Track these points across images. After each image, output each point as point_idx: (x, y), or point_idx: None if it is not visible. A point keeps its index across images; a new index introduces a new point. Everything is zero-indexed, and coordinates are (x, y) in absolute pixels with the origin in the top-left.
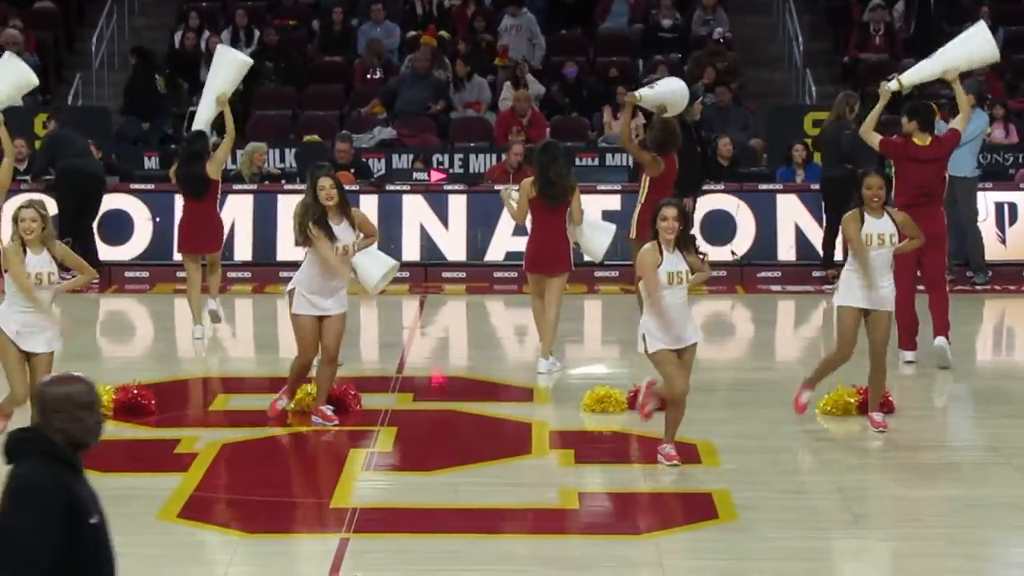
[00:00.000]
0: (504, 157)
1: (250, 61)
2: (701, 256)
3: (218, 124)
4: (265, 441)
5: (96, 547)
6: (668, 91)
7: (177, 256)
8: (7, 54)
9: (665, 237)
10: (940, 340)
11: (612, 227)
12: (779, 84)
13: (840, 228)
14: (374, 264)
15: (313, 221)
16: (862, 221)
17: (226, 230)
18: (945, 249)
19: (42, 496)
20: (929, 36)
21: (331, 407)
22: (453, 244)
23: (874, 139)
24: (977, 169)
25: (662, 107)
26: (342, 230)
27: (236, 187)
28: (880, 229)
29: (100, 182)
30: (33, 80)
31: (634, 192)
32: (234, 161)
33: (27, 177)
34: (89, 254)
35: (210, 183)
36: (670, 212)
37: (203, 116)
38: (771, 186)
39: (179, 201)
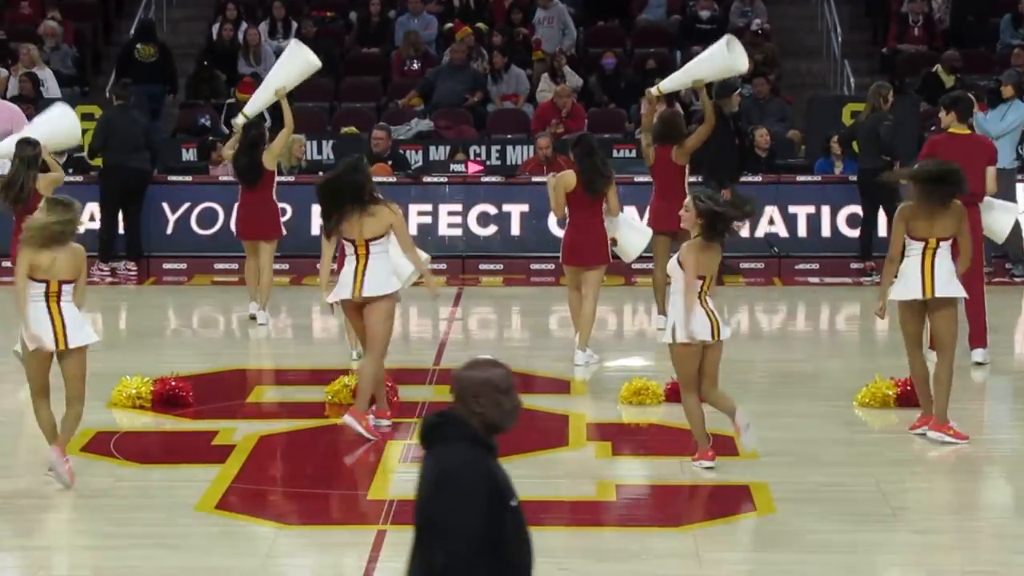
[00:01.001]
0: (535, 150)
1: (318, 64)
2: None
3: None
4: (302, 433)
5: (516, 530)
6: (694, 66)
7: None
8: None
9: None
10: (978, 353)
11: (649, 231)
12: (817, 75)
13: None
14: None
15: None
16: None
17: None
18: (980, 246)
19: (468, 481)
20: (963, 28)
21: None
22: (490, 236)
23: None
24: (1016, 160)
25: (699, 82)
26: None
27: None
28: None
29: (145, 176)
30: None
31: None
32: None
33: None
34: (133, 244)
35: (264, 172)
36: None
37: (259, 101)
38: (809, 178)
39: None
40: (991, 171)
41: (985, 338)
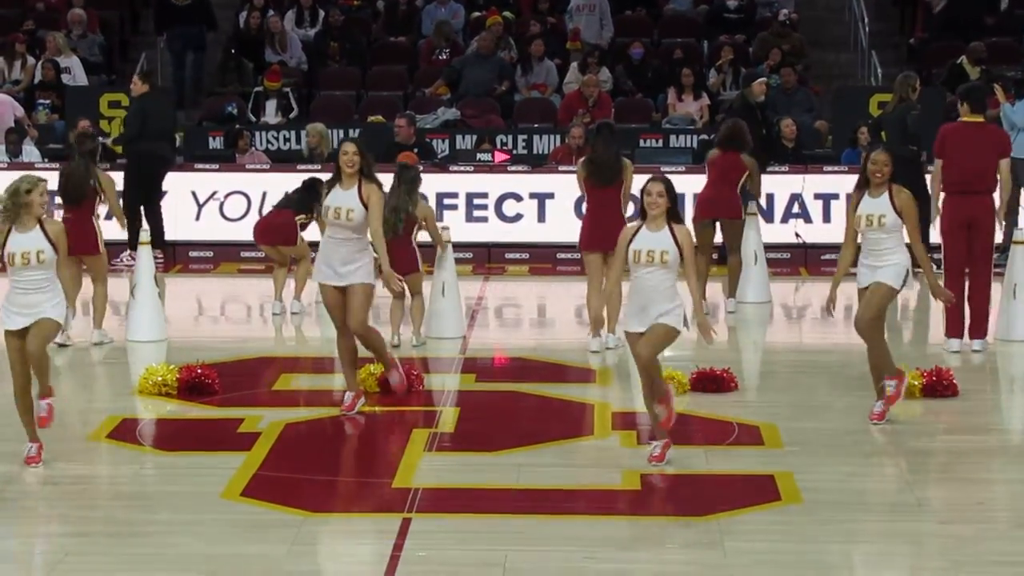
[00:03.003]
0: (566, 139)
1: None
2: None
3: (284, 105)
4: (327, 421)
5: None
6: None
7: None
8: None
9: (650, 213)
10: (978, 343)
11: None
12: (844, 66)
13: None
14: None
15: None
16: (859, 199)
17: None
18: (992, 236)
19: None
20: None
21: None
22: (517, 225)
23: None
24: None
25: None
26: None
27: (299, 167)
28: (871, 210)
29: (167, 164)
30: None
31: (698, 173)
32: (298, 141)
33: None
34: (157, 231)
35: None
36: (654, 187)
37: None
38: (836, 168)
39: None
40: (1004, 163)
41: (985, 329)
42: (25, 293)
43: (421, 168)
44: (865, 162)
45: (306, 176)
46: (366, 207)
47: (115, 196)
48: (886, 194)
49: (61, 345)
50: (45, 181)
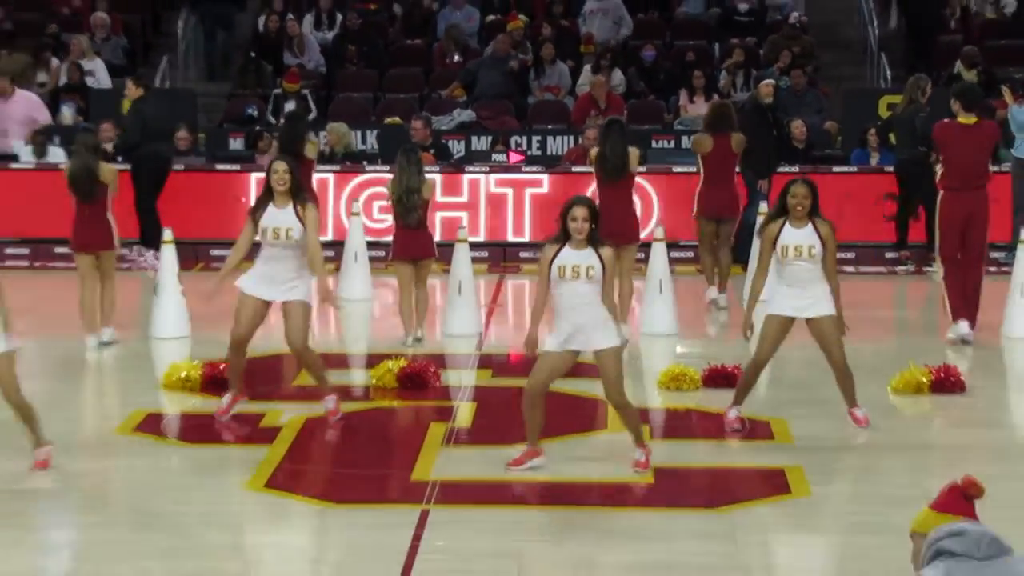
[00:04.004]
0: (580, 140)
1: None
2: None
3: (303, 107)
4: (347, 415)
5: None
6: None
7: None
8: None
9: (575, 238)
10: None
11: None
12: (854, 67)
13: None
14: None
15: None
16: (780, 230)
17: None
18: (987, 229)
19: None
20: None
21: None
22: (530, 224)
23: None
24: None
25: None
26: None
27: (318, 167)
28: (799, 240)
29: (169, 163)
30: None
31: None
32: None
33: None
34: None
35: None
36: (580, 212)
37: None
38: (846, 168)
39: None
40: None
41: (975, 319)
42: None
43: (438, 168)
44: (784, 195)
45: (322, 175)
46: (303, 224)
47: (116, 187)
48: (810, 225)
49: (105, 343)
50: None
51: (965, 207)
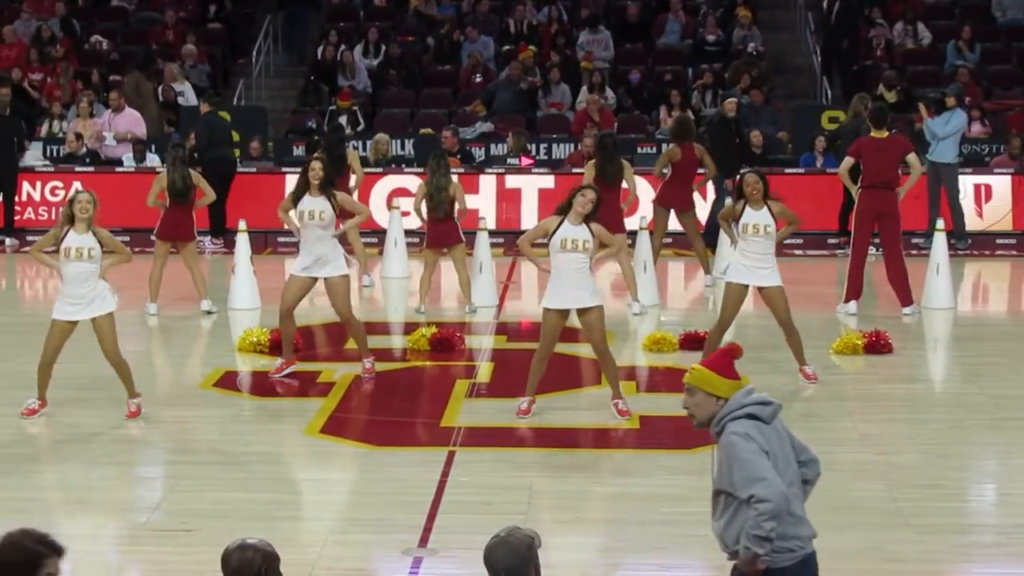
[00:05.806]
0: (579, 147)
1: None
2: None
3: (353, 120)
4: (389, 373)
5: None
6: None
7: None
8: None
9: (577, 211)
10: (909, 309)
11: None
12: (801, 87)
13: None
14: None
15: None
16: (742, 212)
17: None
18: (900, 223)
19: None
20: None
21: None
22: (539, 215)
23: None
24: (959, 157)
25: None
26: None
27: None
28: (757, 220)
29: (233, 166)
30: None
31: None
32: (364, 149)
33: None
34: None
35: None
36: (589, 194)
37: None
38: (795, 170)
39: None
40: (911, 156)
41: (910, 297)
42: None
43: (463, 170)
44: (740, 183)
45: (369, 174)
46: (334, 208)
47: (204, 187)
48: (765, 208)
49: (209, 312)
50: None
51: (877, 205)
